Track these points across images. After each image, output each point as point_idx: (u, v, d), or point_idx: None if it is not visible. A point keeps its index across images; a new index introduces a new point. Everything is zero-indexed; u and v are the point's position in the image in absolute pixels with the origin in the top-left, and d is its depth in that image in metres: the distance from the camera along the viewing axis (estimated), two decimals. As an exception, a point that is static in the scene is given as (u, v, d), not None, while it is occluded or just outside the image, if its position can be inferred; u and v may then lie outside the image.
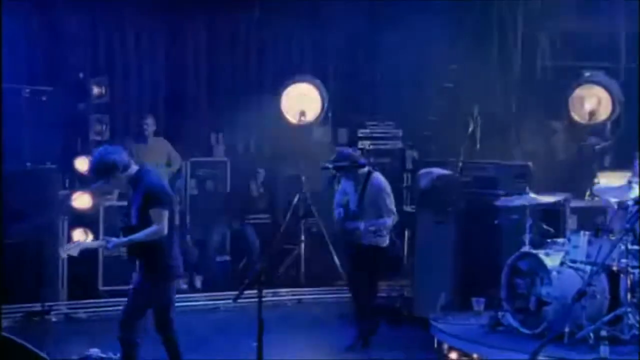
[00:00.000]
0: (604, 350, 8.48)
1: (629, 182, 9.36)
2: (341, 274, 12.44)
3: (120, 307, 10.09)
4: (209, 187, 13.59)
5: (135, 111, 13.42)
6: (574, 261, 9.34)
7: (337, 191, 10.18)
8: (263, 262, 6.68)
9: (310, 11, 13.85)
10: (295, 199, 12.90)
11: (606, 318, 8.91)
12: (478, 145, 12.90)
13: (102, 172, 7.77)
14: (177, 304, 11.91)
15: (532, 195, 9.89)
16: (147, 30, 13.73)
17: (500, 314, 9.70)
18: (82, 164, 11.40)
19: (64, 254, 8.02)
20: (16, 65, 12.28)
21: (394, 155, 13.68)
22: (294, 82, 13.52)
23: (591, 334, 8.75)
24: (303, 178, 12.84)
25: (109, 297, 11.51)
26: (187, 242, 13.22)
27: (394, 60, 13.53)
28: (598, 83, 12.55)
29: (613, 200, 9.76)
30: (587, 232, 9.41)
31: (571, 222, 9.86)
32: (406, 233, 11.74)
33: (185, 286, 12.82)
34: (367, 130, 13.75)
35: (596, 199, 10.36)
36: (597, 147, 12.50)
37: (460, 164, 11.32)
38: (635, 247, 9.04)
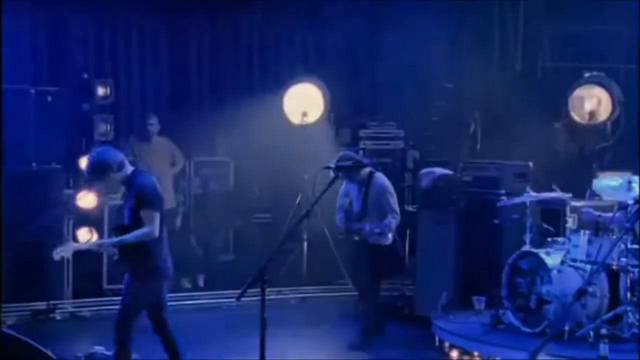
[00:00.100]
0: (604, 348, 8.49)
1: (629, 182, 9.41)
2: (343, 272, 12.51)
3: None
4: (212, 187, 13.61)
5: (140, 111, 13.44)
6: (574, 260, 9.37)
7: (339, 194, 10.22)
8: (266, 261, 6.69)
9: (311, 12, 13.85)
10: (298, 199, 12.95)
11: (606, 316, 8.95)
12: (479, 145, 12.95)
13: (97, 172, 7.76)
14: (181, 303, 12.10)
15: (533, 194, 9.96)
16: (151, 32, 13.77)
17: (501, 312, 9.74)
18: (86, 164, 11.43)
19: (57, 257, 7.85)
20: (22, 66, 12.36)
21: (396, 155, 13.69)
22: (296, 82, 13.59)
23: (591, 332, 8.81)
24: (305, 177, 12.87)
25: (113, 296, 11.48)
26: (191, 241, 13.30)
27: (395, 60, 13.48)
28: (598, 83, 12.54)
29: (613, 199, 9.83)
30: (587, 232, 9.43)
31: (571, 221, 9.87)
32: (407, 232, 11.76)
33: (189, 285, 12.91)
34: (369, 131, 13.75)
35: (596, 198, 10.38)
36: (597, 147, 12.53)
37: (461, 164, 11.35)
38: (635, 246, 9.09)
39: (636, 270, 9.01)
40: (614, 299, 9.12)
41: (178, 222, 13.30)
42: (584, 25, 13.20)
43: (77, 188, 11.24)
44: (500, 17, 13.76)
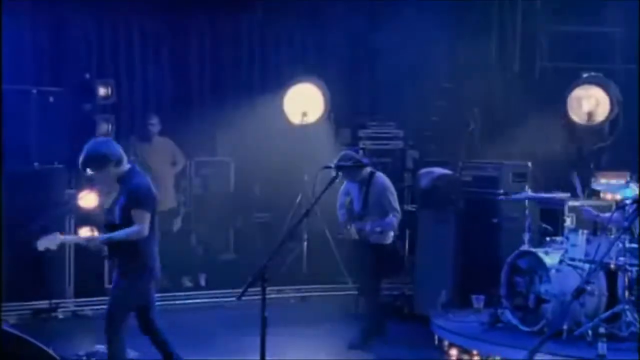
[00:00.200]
0: (602, 347, 8.52)
1: (627, 182, 9.45)
2: (343, 271, 12.56)
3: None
4: (212, 187, 13.59)
5: (141, 111, 13.43)
6: (572, 259, 9.42)
7: (340, 192, 10.25)
8: (266, 261, 6.73)
9: (311, 12, 13.85)
10: (298, 198, 12.99)
11: (604, 315, 8.99)
12: (478, 145, 12.98)
13: (96, 162, 7.66)
14: (182, 302, 12.13)
15: (531, 193, 10.02)
16: (152, 32, 13.76)
17: (499, 311, 9.79)
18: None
19: (41, 247, 7.69)
20: (24, 66, 12.39)
21: (395, 155, 13.73)
22: (296, 82, 13.61)
23: (589, 331, 8.85)
24: (305, 177, 12.91)
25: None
26: (191, 240, 13.34)
27: (394, 60, 13.49)
28: (596, 84, 12.53)
29: (611, 199, 9.87)
30: (585, 231, 9.48)
31: (569, 221, 9.91)
32: (407, 232, 11.79)
33: (190, 284, 12.94)
34: (369, 131, 13.79)
35: (594, 197, 10.43)
36: (595, 147, 12.56)
37: (461, 164, 11.38)
38: (633, 245, 9.11)
39: (634, 269, 9.04)
40: (612, 298, 9.16)
41: (179, 221, 13.31)
42: (582, 26, 13.22)
43: (79, 188, 11.26)
44: (499, 17, 13.79)
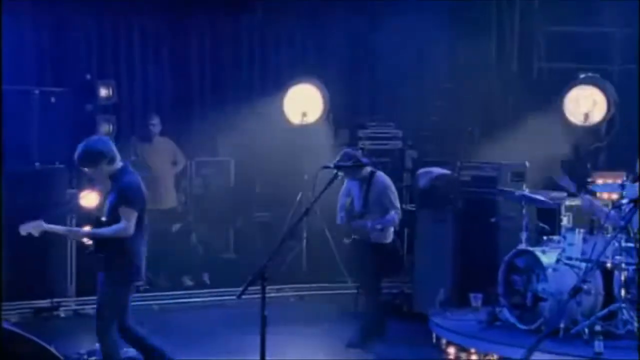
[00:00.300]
0: (599, 345, 8.57)
1: (623, 182, 9.46)
2: (343, 270, 12.59)
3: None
4: (213, 186, 13.61)
5: (142, 112, 13.47)
6: (569, 258, 9.45)
7: (341, 193, 10.28)
8: (266, 260, 6.79)
9: (311, 12, 13.87)
10: (298, 198, 13.04)
11: (601, 313, 9.02)
12: (476, 145, 12.99)
13: (87, 160, 7.79)
14: (182, 301, 12.17)
15: (528, 193, 10.07)
16: (153, 33, 13.79)
17: (497, 309, 9.82)
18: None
19: (23, 232, 7.78)
20: (26, 67, 12.46)
21: (394, 155, 13.72)
22: (296, 83, 13.64)
23: (586, 329, 8.88)
24: (305, 177, 12.94)
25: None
26: (192, 240, 13.38)
27: (393, 60, 13.54)
28: (593, 84, 12.61)
29: (607, 198, 9.92)
30: (582, 230, 9.50)
31: (566, 220, 9.96)
32: (406, 231, 11.81)
33: (190, 283, 12.98)
34: (368, 131, 13.79)
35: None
36: (592, 147, 12.61)
37: (459, 164, 11.37)
38: (629, 244, 9.15)
39: (630, 268, 9.08)
40: (609, 297, 9.20)
41: (177, 226, 13.37)
42: (579, 27, 13.25)
43: (80, 187, 11.29)
44: (497, 18, 13.83)
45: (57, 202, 11.46)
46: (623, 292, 9.05)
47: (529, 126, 12.13)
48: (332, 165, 8.81)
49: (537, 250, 9.69)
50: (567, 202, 10.38)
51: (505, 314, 9.73)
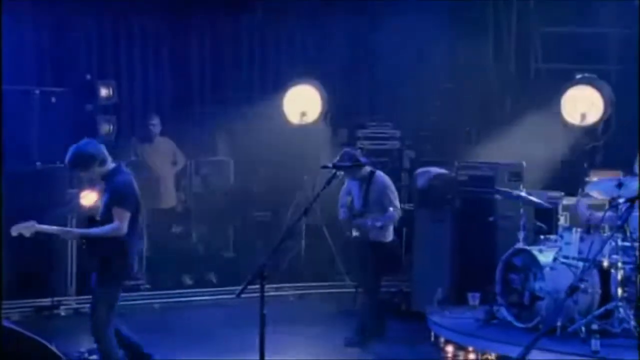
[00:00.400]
0: (595, 343, 8.61)
1: (619, 181, 9.49)
2: (341, 269, 12.63)
3: (127, 302, 10.30)
4: (212, 186, 13.65)
5: (142, 112, 13.49)
6: (566, 257, 9.48)
7: (341, 192, 10.31)
8: (265, 259, 6.84)
9: (311, 12, 13.88)
10: (297, 197, 13.09)
11: (597, 312, 9.06)
12: (474, 145, 13.00)
13: (79, 163, 7.90)
14: (181, 299, 12.20)
15: (525, 193, 10.11)
16: (153, 33, 13.81)
17: (495, 308, 9.85)
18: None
19: (14, 233, 7.76)
20: (26, 67, 12.48)
21: (392, 155, 13.75)
22: (296, 83, 13.64)
23: (583, 328, 8.92)
24: (304, 177, 12.98)
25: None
26: (192, 239, 13.41)
27: (391, 61, 13.54)
28: (590, 85, 12.61)
29: (604, 198, 9.95)
30: (578, 229, 9.52)
31: (563, 219, 10.00)
32: (404, 231, 11.79)
33: (190, 282, 13.02)
34: (366, 131, 13.82)
35: (588, 196, 10.49)
36: (589, 146, 12.64)
37: (457, 164, 11.40)
38: (626, 243, 9.19)
39: (627, 267, 9.12)
40: (605, 295, 9.23)
41: (179, 220, 13.41)
42: (576, 27, 13.25)
43: (81, 187, 11.34)
44: (494, 19, 13.86)
45: (58, 202, 11.48)
46: (619, 290, 9.08)
47: (526, 126, 12.15)
48: (331, 165, 8.86)
49: (535, 250, 9.72)
50: (564, 202, 10.42)
51: (503, 312, 9.76)
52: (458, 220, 11.17)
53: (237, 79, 14.30)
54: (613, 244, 9.17)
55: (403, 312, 11.49)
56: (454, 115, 13.54)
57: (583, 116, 12.58)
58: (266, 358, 6.80)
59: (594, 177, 10.67)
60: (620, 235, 9.16)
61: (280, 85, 13.81)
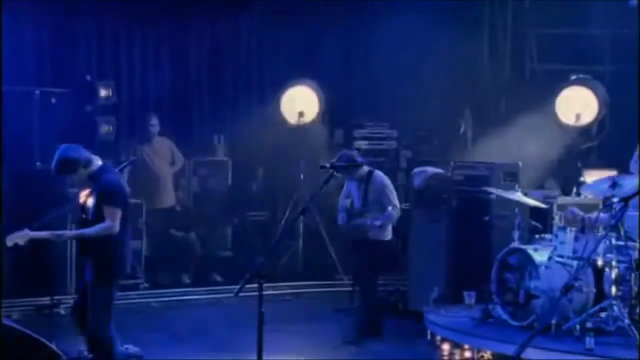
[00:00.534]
0: (590, 341, 8.65)
1: (614, 181, 9.52)
2: (338, 268, 12.68)
3: (126, 301, 10.33)
4: (210, 186, 13.67)
5: (141, 112, 13.48)
6: (561, 256, 9.49)
7: (341, 195, 10.36)
8: (263, 258, 6.90)
9: (309, 12, 13.88)
10: (295, 197, 13.14)
11: (592, 310, 9.07)
12: (469, 145, 13.07)
13: (64, 169, 7.99)
14: (182, 298, 12.24)
15: (520, 193, 10.17)
16: (153, 33, 13.85)
17: (490, 306, 9.86)
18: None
19: (9, 243, 7.82)
20: (27, 68, 12.52)
21: (389, 155, 13.78)
22: (293, 84, 13.69)
23: (577, 326, 8.93)
24: (302, 176, 13.03)
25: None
26: (190, 238, 13.46)
27: (388, 61, 13.56)
28: (584, 85, 12.68)
29: (598, 198, 10.01)
30: (573, 229, 9.53)
31: (558, 219, 10.04)
32: (400, 230, 11.88)
33: (188, 281, 13.08)
34: (363, 131, 13.83)
35: (582, 196, 10.55)
36: (583, 147, 12.69)
37: (453, 164, 11.42)
38: (620, 242, 9.21)
39: (621, 265, 9.15)
40: (600, 294, 9.24)
41: (177, 220, 13.47)
42: (570, 28, 13.27)
43: (81, 187, 11.39)
44: (489, 19, 13.90)
45: (58, 202, 11.51)
46: (614, 289, 9.09)
47: (521, 126, 12.19)
48: (329, 165, 8.92)
49: (530, 249, 9.73)
50: (559, 201, 10.47)
51: (498, 311, 9.77)
52: (454, 219, 11.19)
53: (235, 80, 14.34)
54: (607, 243, 9.18)
55: (400, 310, 11.50)
56: (449, 116, 13.57)
57: (578, 116, 12.63)
58: (264, 357, 6.82)
59: (588, 177, 10.71)
60: (614, 235, 9.17)
61: (278, 86, 13.84)
